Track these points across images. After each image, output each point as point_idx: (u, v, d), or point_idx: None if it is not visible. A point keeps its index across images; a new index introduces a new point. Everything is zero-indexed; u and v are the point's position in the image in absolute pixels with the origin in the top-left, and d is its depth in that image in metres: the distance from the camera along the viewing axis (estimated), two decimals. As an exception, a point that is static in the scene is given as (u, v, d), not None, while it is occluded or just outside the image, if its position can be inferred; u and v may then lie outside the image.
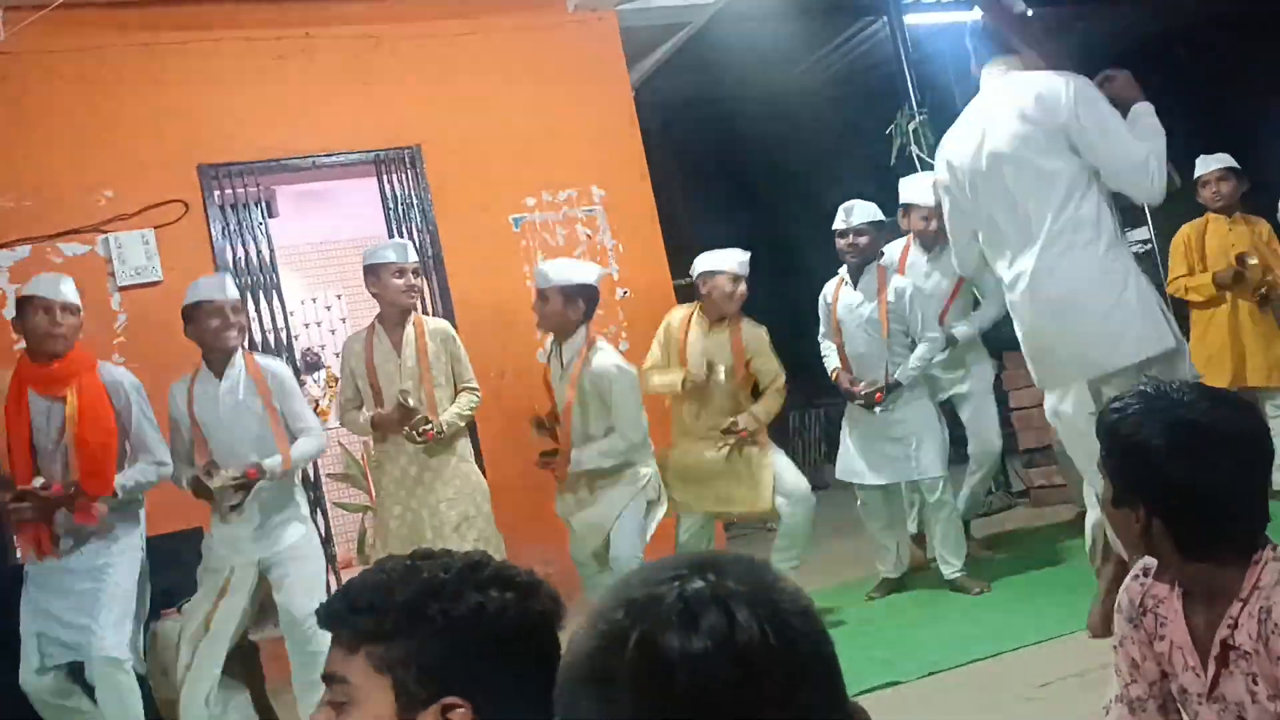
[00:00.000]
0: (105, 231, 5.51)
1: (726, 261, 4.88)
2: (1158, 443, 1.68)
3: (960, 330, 5.20)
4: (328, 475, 4.46)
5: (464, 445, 4.65)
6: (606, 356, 4.52)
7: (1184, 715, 1.80)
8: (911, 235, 5.41)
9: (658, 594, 0.82)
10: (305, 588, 4.09)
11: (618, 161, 6.58)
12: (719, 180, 9.70)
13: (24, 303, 4.01)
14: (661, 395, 5.05)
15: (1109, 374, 3.44)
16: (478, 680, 1.20)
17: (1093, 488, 3.64)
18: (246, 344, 4.40)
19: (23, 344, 4.18)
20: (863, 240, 4.97)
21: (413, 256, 4.62)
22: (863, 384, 4.94)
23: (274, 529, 4.17)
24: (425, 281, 6.08)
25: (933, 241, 5.26)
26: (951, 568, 4.94)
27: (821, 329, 5.22)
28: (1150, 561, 1.82)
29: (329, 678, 1.27)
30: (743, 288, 4.88)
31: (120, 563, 4.04)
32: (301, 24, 6.03)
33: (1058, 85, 3.45)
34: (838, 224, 5.03)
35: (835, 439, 5.37)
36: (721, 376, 4.86)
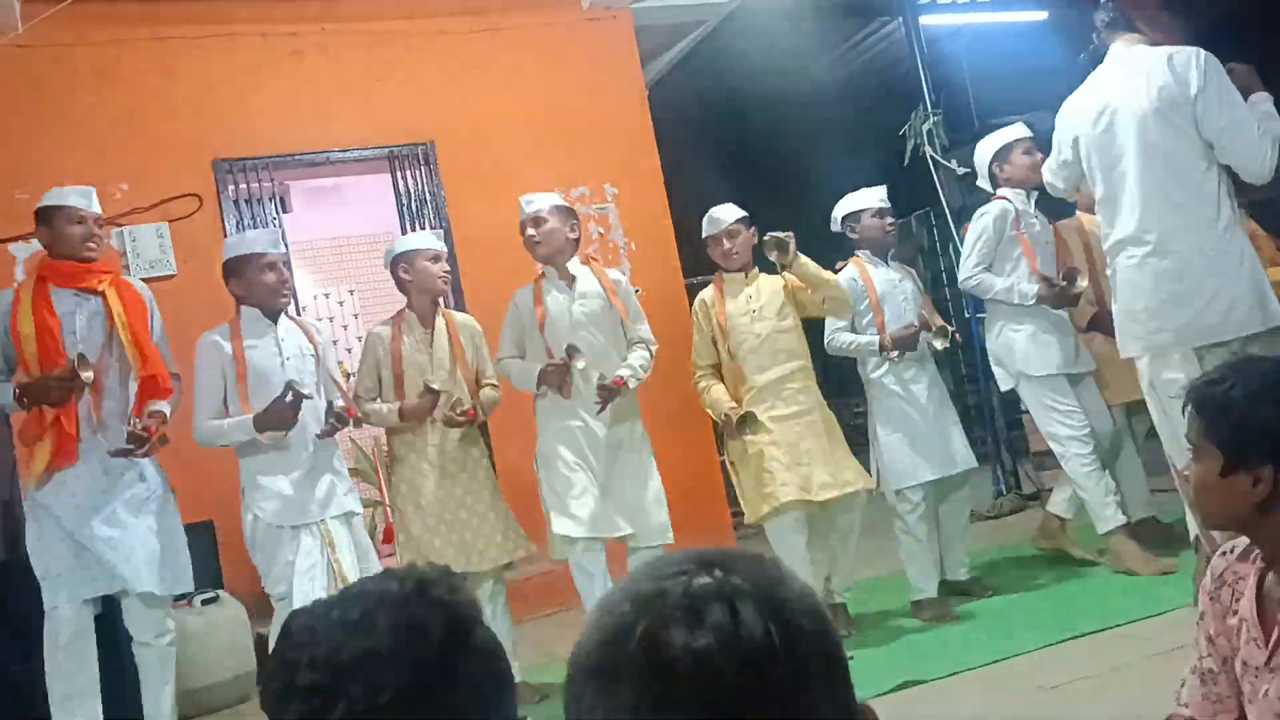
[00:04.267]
0: (120, 225, 5.54)
1: (721, 219, 4.74)
2: (1252, 389, 1.77)
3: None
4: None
5: (480, 438, 4.67)
6: (611, 269, 4.66)
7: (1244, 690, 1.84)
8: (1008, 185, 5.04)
9: (664, 588, 0.82)
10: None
11: (631, 160, 6.59)
12: (732, 179, 9.68)
13: (52, 213, 3.95)
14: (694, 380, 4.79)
15: (1213, 344, 3.57)
16: None
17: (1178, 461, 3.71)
18: None
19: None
20: (896, 220, 5.02)
21: (444, 245, 4.62)
22: (934, 326, 4.80)
23: (343, 484, 4.17)
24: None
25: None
26: (964, 568, 4.93)
27: (840, 321, 4.90)
28: (1241, 540, 1.87)
29: None
30: (744, 235, 4.71)
31: (168, 498, 4.05)
32: (317, 19, 6.05)
33: (1189, 57, 3.55)
34: (876, 204, 4.92)
35: (864, 432, 5.18)
36: (768, 326, 4.62)
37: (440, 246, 4.59)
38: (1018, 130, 5.07)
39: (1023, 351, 4.92)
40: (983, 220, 4.98)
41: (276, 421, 3.92)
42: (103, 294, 3.96)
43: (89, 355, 3.84)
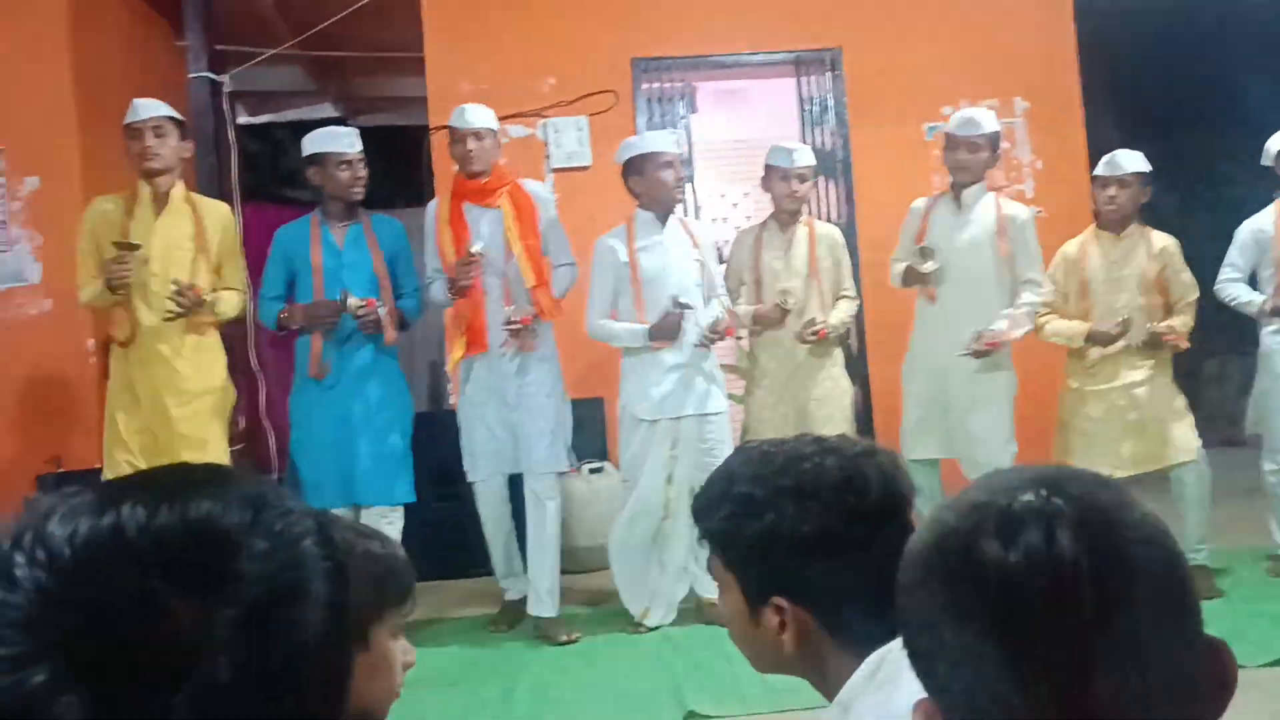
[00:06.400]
0: (545, 117, 5.98)
1: (1122, 165, 4.56)
2: None
3: None
4: (721, 366, 4.67)
5: (836, 350, 4.75)
6: (1015, 203, 4.62)
7: None
8: None
9: (989, 501, 0.83)
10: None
11: (1047, 74, 6.25)
12: (1156, 102, 8.93)
13: (448, 134, 4.52)
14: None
15: None
16: (806, 581, 1.28)
17: None
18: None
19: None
20: None
21: (800, 161, 4.68)
22: None
23: (710, 386, 4.46)
24: (832, 186, 6.15)
25: None
26: None
27: (1239, 261, 4.67)
28: None
29: None
30: (1134, 190, 4.53)
31: (557, 381, 4.50)
32: (739, -76, 6.14)
33: None
34: None
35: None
36: (1128, 299, 4.50)
37: (787, 164, 4.66)
38: None
39: None
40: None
41: (665, 334, 4.28)
42: (499, 208, 4.41)
43: (492, 260, 4.36)
